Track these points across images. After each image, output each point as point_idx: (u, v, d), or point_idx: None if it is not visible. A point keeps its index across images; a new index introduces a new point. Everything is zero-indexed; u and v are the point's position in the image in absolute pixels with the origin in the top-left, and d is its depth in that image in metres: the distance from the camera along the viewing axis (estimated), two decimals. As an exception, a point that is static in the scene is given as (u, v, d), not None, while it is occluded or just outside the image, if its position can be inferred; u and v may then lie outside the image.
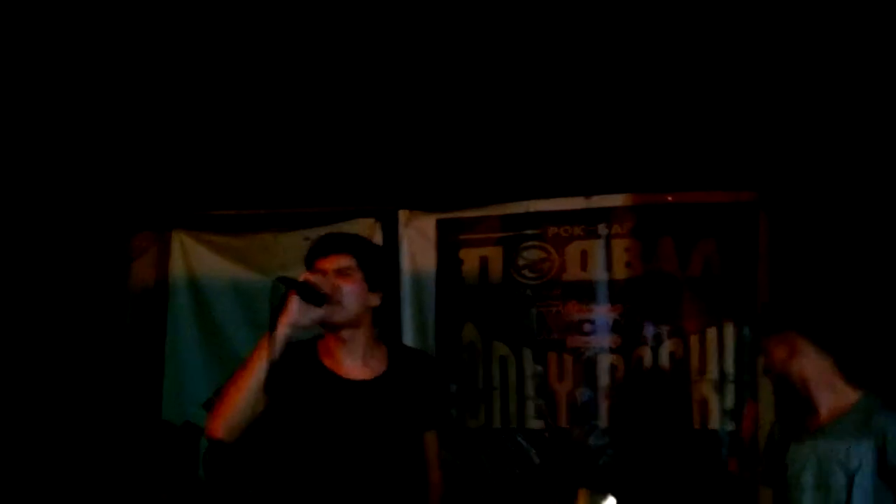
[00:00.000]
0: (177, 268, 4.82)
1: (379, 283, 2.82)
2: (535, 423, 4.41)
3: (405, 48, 3.91)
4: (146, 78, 4.16)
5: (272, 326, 2.58)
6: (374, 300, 2.82)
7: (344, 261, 2.76)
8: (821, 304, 3.35)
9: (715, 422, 4.17)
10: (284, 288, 2.59)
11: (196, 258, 4.81)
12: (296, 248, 4.58)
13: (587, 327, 4.37)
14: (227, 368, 4.69)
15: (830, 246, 3.95)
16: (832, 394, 3.13)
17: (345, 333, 2.77)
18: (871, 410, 3.11)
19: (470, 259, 4.54)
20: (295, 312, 2.59)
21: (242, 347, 4.72)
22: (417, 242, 4.57)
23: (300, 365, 2.74)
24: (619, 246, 4.36)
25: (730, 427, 4.14)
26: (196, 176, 4.68)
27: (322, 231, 4.44)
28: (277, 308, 2.59)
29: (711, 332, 4.22)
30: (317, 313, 2.64)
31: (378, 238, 4.57)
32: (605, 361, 4.34)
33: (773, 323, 3.19)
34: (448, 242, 4.56)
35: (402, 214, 4.60)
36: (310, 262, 2.80)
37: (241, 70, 4.13)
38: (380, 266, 2.88)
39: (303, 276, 2.64)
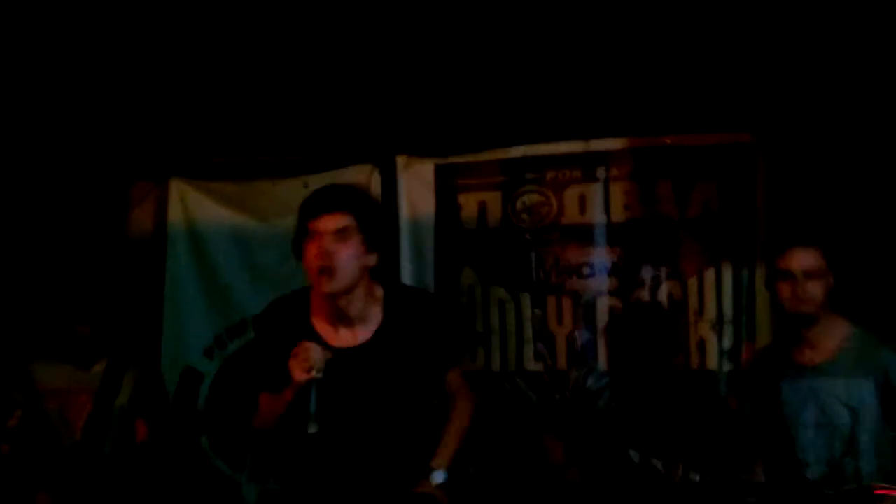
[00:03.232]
0: (175, 215, 4.81)
1: (377, 242, 2.70)
2: (533, 366, 4.44)
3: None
4: (143, 28, 4.15)
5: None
6: (372, 260, 2.70)
7: (342, 220, 2.63)
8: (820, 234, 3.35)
9: (713, 362, 4.21)
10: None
11: (194, 205, 4.81)
12: (294, 195, 4.54)
13: (586, 270, 4.39)
14: (226, 315, 4.78)
15: (828, 188, 3.97)
16: (829, 325, 3.15)
17: (339, 296, 2.67)
18: (868, 345, 3.13)
19: (468, 204, 4.53)
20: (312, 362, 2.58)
21: (242, 294, 4.77)
22: (415, 188, 4.56)
23: (291, 329, 2.66)
24: (617, 189, 4.35)
25: (728, 367, 4.18)
26: (193, 124, 4.68)
27: (321, 177, 4.51)
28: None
29: (709, 274, 4.24)
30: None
31: (376, 183, 4.57)
32: (603, 304, 4.36)
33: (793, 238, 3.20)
34: (446, 187, 4.55)
35: (400, 160, 4.58)
36: (305, 220, 2.67)
37: (238, 17, 4.12)
38: (378, 223, 2.75)
39: (297, 371, 2.58)
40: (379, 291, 2.77)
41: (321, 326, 2.73)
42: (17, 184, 4.63)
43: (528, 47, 4.16)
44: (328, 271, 2.59)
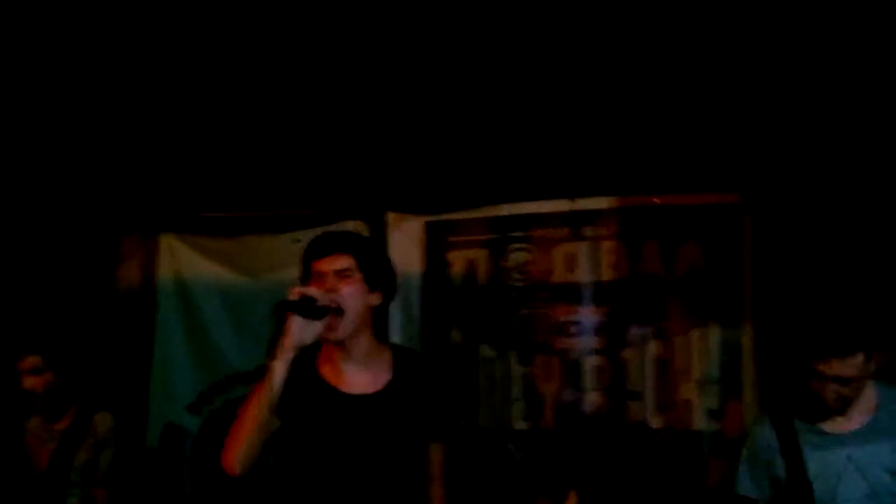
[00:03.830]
0: (165, 270, 4.84)
1: (379, 282, 2.71)
2: (521, 425, 4.43)
3: (394, 51, 3.95)
4: (136, 81, 4.19)
5: (271, 353, 2.54)
6: (375, 300, 2.71)
7: (343, 261, 2.65)
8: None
9: (699, 422, 4.20)
10: (282, 312, 2.53)
11: (184, 261, 4.83)
12: (284, 251, 4.62)
13: (573, 329, 4.39)
14: (213, 371, 4.77)
15: (814, 248, 4.00)
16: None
17: (346, 340, 2.67)
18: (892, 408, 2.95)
19: (457, 261, 4.56)
20: (296, 333, 2.53)
21: (229, 350, 4.76)
22: (405, 244, 4.58)
23: (299, 378, 2.63)
24: (604, 248, 4.38)
25: (713, 427, 4.17)
26: (184, 179, 4.71)
27: (311, 233, 4.52)
28: (276, 333, 2.54)
29: (696, 334, 4.25)
30: (318, 327, 2.57)
31: (366, 240, 4.60)
32: (590, 363, 4.36)
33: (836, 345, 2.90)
34: (435, 244, 4.59)
35: (390, 217, 4.61)
36: (307, 264, 2.70)
37: (230, 74, 4.17)
38: (379, 263, 2.77)
39: (296, 290, 2.56)
40: (386, 349, 2.79)
41: (329, 373, 2.72)
42: (8, 236, 4.64)
43: (518, 107, 4.21)
44: (336, 311, 2.60)
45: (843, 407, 2.91)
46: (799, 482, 2.91)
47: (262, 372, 2.63)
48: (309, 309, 2.54)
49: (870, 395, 2.95)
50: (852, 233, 3.94)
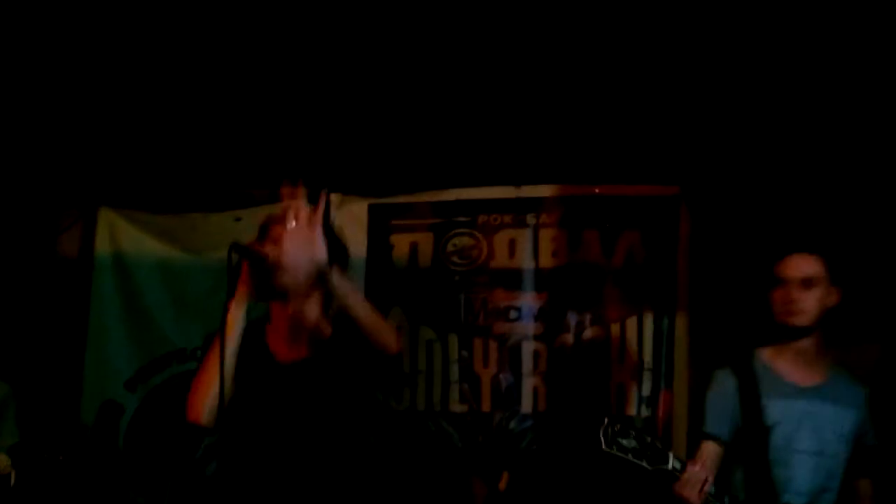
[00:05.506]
0: (102, 245, 4.79)
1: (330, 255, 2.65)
2: (458, 408, 4.48)
3: (347, 34, 3.94)
4: (84, 54, 4.12)
5: (230, 294, 2.55)
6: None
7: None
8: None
9: (632, 407, 4.29)
10: (238, 257, 2.52)
11: (123, 236, 4.79)
12: (225, 229, 4.60)
13: (513, 314, 4.46)
14: (151, 347, 4.73)
15: (748, 239, 4.10)
16: (822, 346, 3.00)
17: (294, 303, 2.66)
18: (843, 379, 3.03)
19: (400, 244, 4.59)
20: (251, 279, 2.54)
21: (169, 327, 4.73)
22: (348, 226, 4.56)
23: (247, 346, 2.64)
24: (546, 235, 4.45)
25: (645, 413, 4.27)
26: (126, 153, 4.65)
27: (252, 212, 4.51)
28: (233, 277, 2.55)
29: (632, 322, 4.34)
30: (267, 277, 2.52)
31: (306, 220, 4.60)
32: (528, 348, 4.43)
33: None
34: (379, 227, 4.61)
35: (335, 198, 4.60)
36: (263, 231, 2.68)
37: (181, 48, 4.11)
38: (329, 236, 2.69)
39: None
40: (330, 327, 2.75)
41: (273, 341, 2.72)
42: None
43: (466, 93, 4.23)
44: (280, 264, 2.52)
45: (805, 321, 2.92)
46: (755, 426, 2.92)
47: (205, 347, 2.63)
48: (251, 256, 2.53)
49: (824, 358, 3.00)
50: (785, 223, 4.03)
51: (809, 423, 2.91)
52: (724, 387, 3.02)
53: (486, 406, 4.45)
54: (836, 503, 2.94)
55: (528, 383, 4.43)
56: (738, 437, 2.97)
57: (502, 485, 4.11)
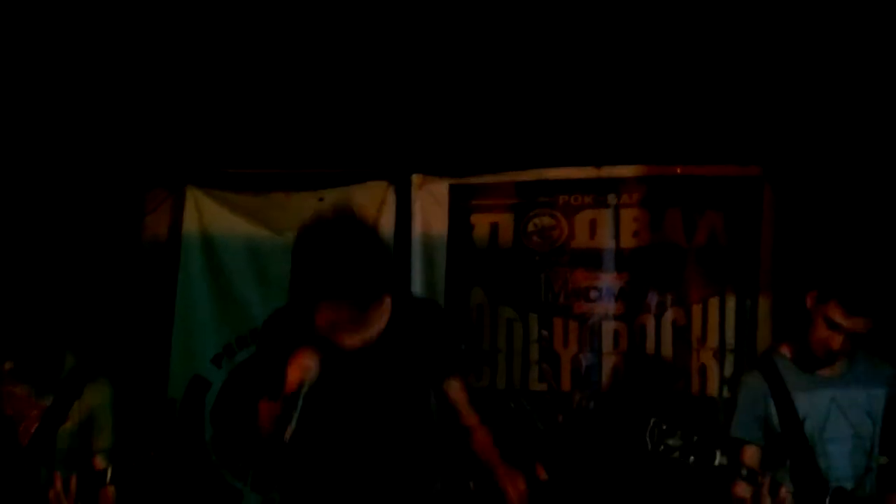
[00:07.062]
0: (190, 224, 4.86)
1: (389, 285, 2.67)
2: (537, 386, 4.51)
3: (426, 14, 3.98)
4: (163, 39, 4.22)
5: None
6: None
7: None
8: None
9: (714, 389, 4.29)
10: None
11: (209, 214, 4.86)
12: (309, 208, 4.63)
13: (593, 294, 4.47)
14: (236, 326, 4.83)
15: (833, 220, 4.06)
16: None
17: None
18: (867, 360, 3.13)
19: (481, 224, 4.61)
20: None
21: (251, 303, 4.81)
22: (429, 206, 4.64)
23: (296, 334, 2.65)
24: (627, 215, 4.44)
25: (727, 394, 4.24)
26: (211, 134, 4.73)
27: (336, 192, 4.60)
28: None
29: (714, 302, 4.32)
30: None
31: (391, 200, 4.66)
32: (609, 327, 4.44)
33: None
34: (460, 207, 4.64)
35: (416, 178, 4.65)
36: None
37: (259, 30, 4.19)
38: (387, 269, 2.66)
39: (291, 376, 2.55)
40: (388, 300, 2.73)
41: (328, 331, 2.67)
42: (34, 189, 4.67)
43: (547, 73, 4.25)
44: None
45: (839, 356, 3.06)
46: (790, 421, 3.07)
47: None
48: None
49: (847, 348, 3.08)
50: (869, 205, 4.00)
51: (838, 409, 3.04)
52: (753, 389, 3.19)
53: (565, 385, 4.47)
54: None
55: (608, 363, 4.44)
56: (777, 436, 3.10)
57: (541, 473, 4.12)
